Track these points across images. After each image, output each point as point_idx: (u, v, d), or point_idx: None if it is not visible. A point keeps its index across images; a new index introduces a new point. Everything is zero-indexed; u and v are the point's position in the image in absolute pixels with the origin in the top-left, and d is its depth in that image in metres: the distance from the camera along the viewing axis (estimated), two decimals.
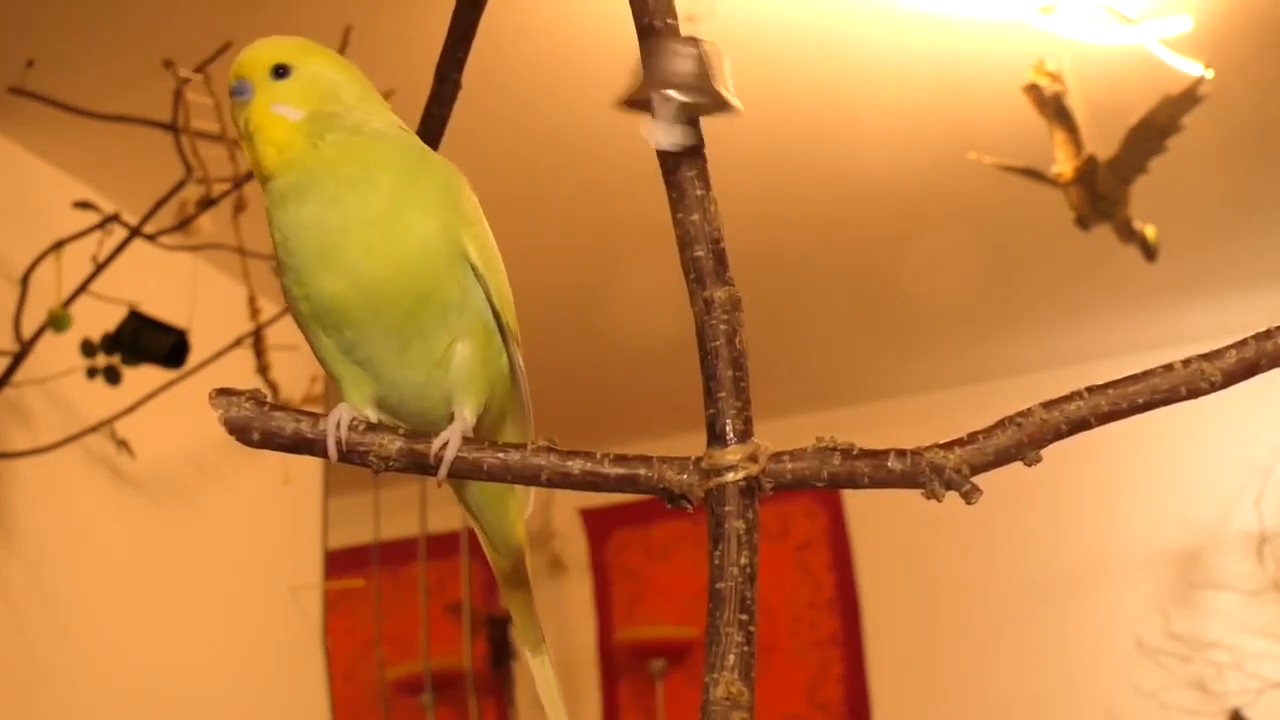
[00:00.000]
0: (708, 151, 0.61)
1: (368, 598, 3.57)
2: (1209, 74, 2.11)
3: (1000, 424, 0.57)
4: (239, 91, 0.67)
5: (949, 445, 0.57)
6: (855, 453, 0.58)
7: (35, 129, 2.31)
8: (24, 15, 2.05)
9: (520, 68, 2.29)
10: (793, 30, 2.27)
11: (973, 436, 0.57)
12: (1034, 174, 2.27)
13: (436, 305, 0.65)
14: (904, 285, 3.17)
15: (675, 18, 0.62)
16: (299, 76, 0.67)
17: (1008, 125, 2.45)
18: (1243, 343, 0.57)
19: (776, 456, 0.58)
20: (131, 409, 2.26)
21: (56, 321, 2.09)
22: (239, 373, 2.21)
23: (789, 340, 3.46)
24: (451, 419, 0.66)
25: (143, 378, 2.23)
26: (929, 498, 0.57)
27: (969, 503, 0.57)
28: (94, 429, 2.26)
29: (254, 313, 2.31)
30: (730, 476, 0.57)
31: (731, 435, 0.58)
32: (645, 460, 0.59)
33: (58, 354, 2.21)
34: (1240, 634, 3.48)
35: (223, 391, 0.62)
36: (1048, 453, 0.58)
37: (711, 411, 0.58)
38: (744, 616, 0.55)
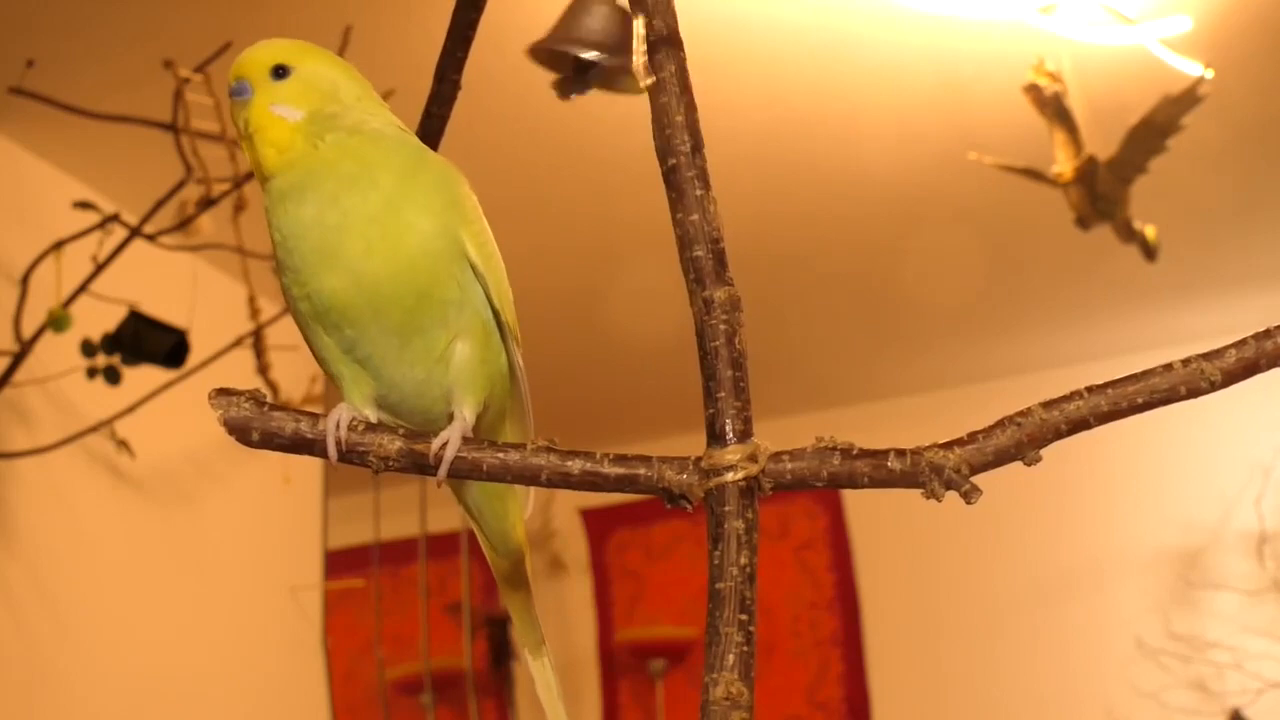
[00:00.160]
0: (708, 151, 0.61)
1: (368, 598, 3.57)
2: (1209, 74, 2.11)
3: (1000, 424, 0.57)
4: (238, 92, 0.68)
5: (949, 445, 0.57)
6: (855, 452, 0.58)
7: (35, 129, 2.31)
8: (24, 15, 2.05)
9: (520, 68, 2.29)
10: (793, 30, 2.27)
11: (972, 436, 0.57)
12: (1034, 174, 2.27)
13: (436, 303, 0.65)
14: (904, 285, 3.17)
15: (675, 18, 0.62)
16: (298, 77, 0.67)
17: (1008, 125, 2.45)
18: (1243, 342, 0.57)
19: (776, 456, 0.58)
20: (131, 409, 2.26)
21: (56, 321, 2.09)
22: (239, 373, 2.21)
23: (789, 340, 3.46)
24: (451, 418, 0.65)
25: (143, 378, 2.23)
26: (929, 497, 0.57)
27: (969, 502, 0.57)
28: (94, 429, 2.26)
29: (254, 313, 2.31)
30: (730, 476, 0.57)
31: (731, 435, 0.58)
32: (645, 460, 0.59)
33: (58, 354, 2.21)
34: (1240, 634, 3.47)
35: (222, 391, 0.62)
36: (1047, 453, 0.58)
37: (711, 411, 0.58)
38: (744, 616, 0.55)
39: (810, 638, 3.94)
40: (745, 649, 0.54)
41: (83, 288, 2.12)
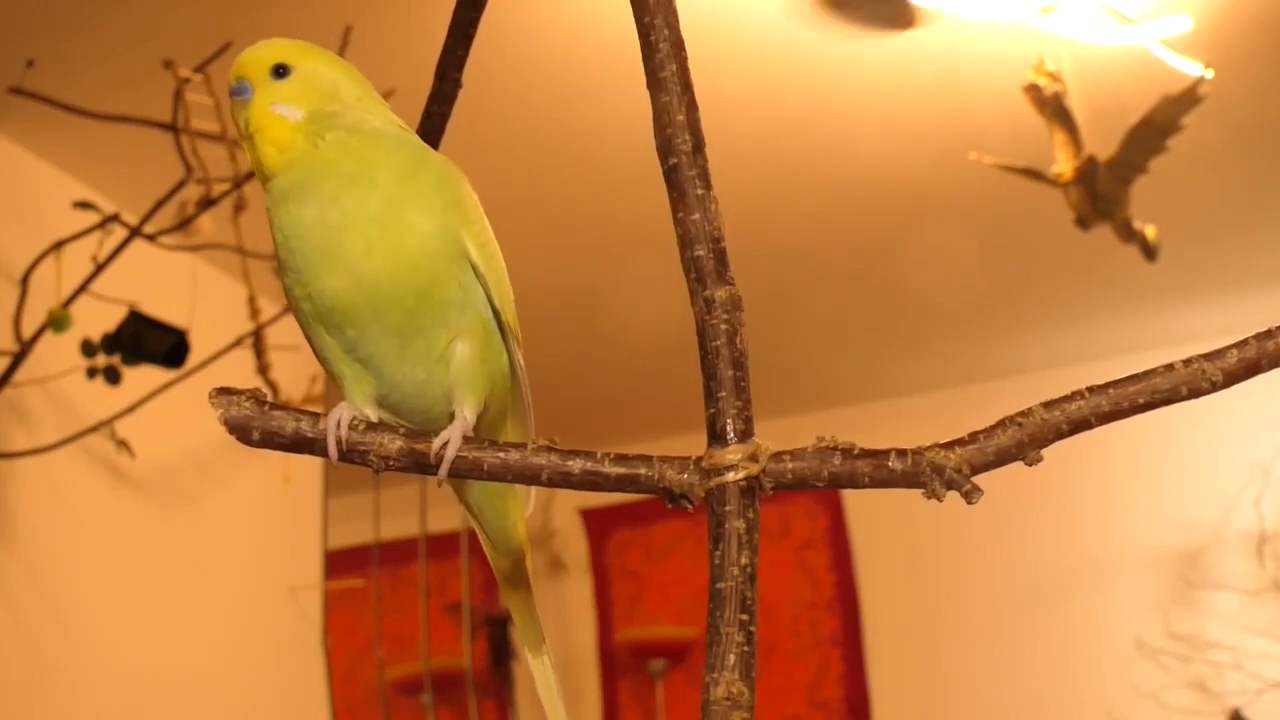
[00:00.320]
0: (708, 151, 0.61)
1: (368, 598, 3.57)
2: (1209, 74, 2.11)
3: (1001, 424, 0.57)
4: (239, 91, 0.68)
5: (950, 445, 0.57)
6: (856, 452, 0.58)
7: (35, 129, 2.31)
8: (24, 15, 2.05)
9: (520, 67, 2.29)
10: (793, 30, 2.27)
11: (973, 436, 0.57)
12: (1034, 174, 2.27)
13: (437, 303, 0.65)
14: (904, 285, 3.17)
15: (676, 18, 0.62)
16: (298, 76, 0.67)
17: (1008, 125, 2.45)
18: (1244, 342, 0.57)
19: (777, 456, 0.58)
20: (131, 409, 2.26)
21: (56, 321, 2.09)
22: (239, 373, 2.21)
23: (789, 340, 3.46)
24: (452, 418, 0.66)
25: (143, 378, 2.23)
26: (930, 498, 0.57)
27: (970, 502, 0.57)
28: (94, 429, 2.26)
29: (254, 313, 2.31)
30: (731, 476, 0.57)
31: (732, 435, 0.58)
32: (646, 460, 0.59)
33: (58, 354, 2.20)
34: (1240, 634, 3.47)
35: (223, 391, 0.62)
36: (1048, 452, 0.58)
37: (712, 411, 0.58)
38: (744, 616, 0.55)
39: (810, 638, 3.94)
40: (746, 649, 0.54)
41: (83, 288, 2.12)
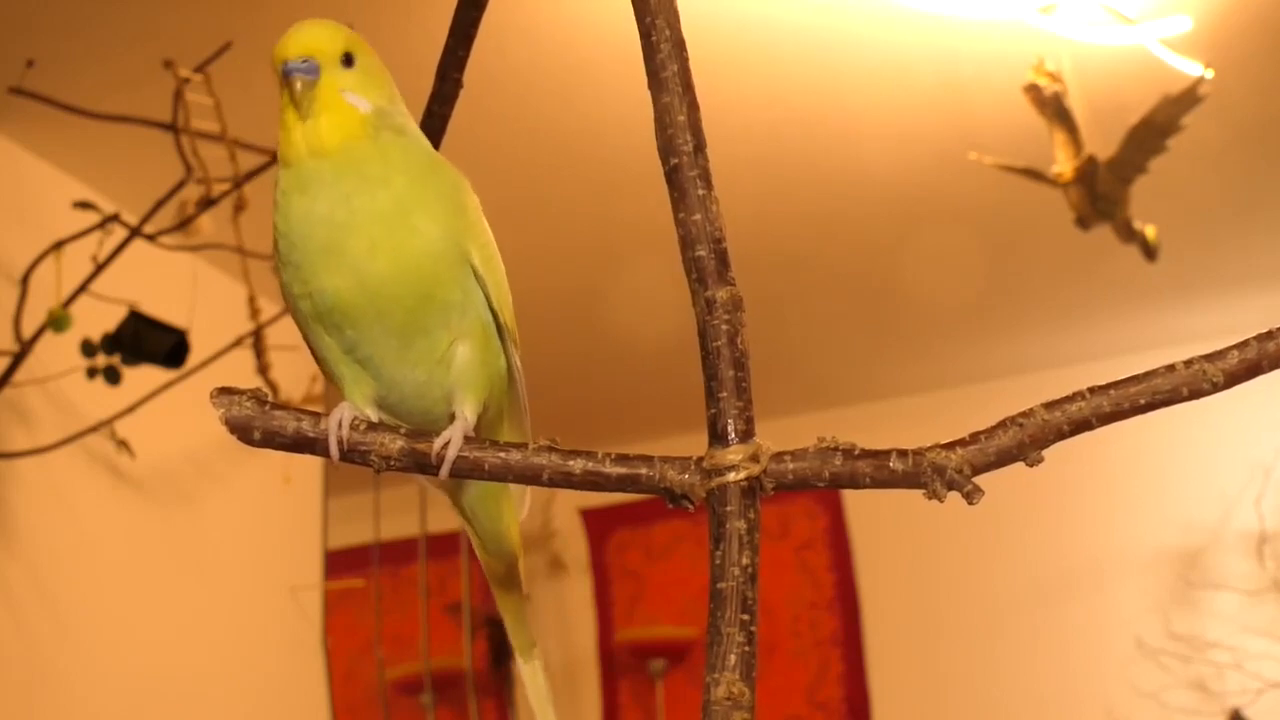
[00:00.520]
0: (709, 151, 0.61)
1: (368, 598, 3.57)
2: (1209, 74, 2.11)
3: (1002, 424, 0.57)
4: (304, 70, 0.65)
5: (951, 445, 0.57)
6: (857, 453, 0.58)
7: (35, 129, 2.31)
8: (24, 15, 2.05)
9: (521, 67, 2.29)
10: (793, 30, 2.27)
11: (974, 437, 0.57)
12: (1034, 174, 2.27)
13: (439, 305, 0.65)
14: (904, 285, 3.17)
15: (677, 18, 0.62)
16: (364, 68, 0.66)
17: (1008, 125, 2.45)
18: (1245, 343, 0.57)
19: (778, 456, 0.58)
20: (131, 409, 2.26)
21: (56, 321, 2.09)
22: (239, 373, 2.21)
23: (790, 340, 3.46)
24: (452, 418, 0.65)
25: (143, 378, 2.23)
26: (930, 498, 0.57)
27: (970, 503, 0.57)
28: (94, 429, 2.26)
29: (254, 313, 2.31)
30: (732, 476, 0.57)
31: (733, 435, 0.58)
32: (647, 460, 0.59)
33: (58, 354, 2.20)
34: (1240, 634, 3.48)
35: (224, 390, 0.62)
36: (1049, 453, 0.58)
37: (713, 411, 0.58)
38: (745, 616, 0.55)
39: (810, 638, 3.94)
40: (747, 649, 0.54)
41: (83, 288, 2.12)
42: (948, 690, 3.77)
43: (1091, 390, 0.57)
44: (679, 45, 0.62)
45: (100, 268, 2.11)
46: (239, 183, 2.10)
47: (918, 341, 3.61)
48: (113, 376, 2.15)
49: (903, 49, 2.32)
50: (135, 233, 2.11)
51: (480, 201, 0.69)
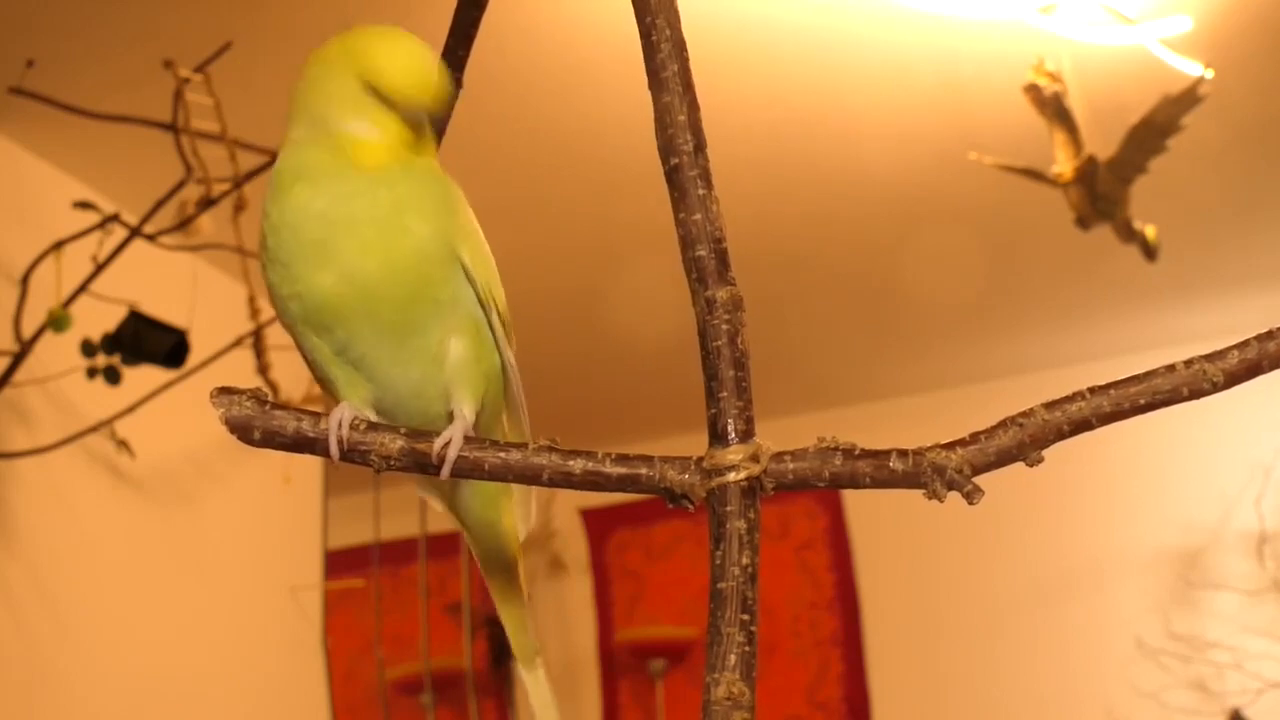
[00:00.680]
0: (709, 151, 0.61)
1: (368, 598, 3.57)
2: (1209, 74, 2.11)
3: (1002, 424, 0.57)
4: (429, 121, 0.67)
5: (951, 445, 0.57)
6: (857, 453, 0.58)
7: (35, 129, 2.31)
8: (24, 15, 2.05)
9: (521, 67, 2.29)
10: (793, 30, 2.27)
11: (974, 437, 0.57)
12: (1034, 174, 2.27)
13: (429, 303, 0.64)
14: (904, 285, 3.17)
15: (677, 18, 0.62)
16: None
17: (1008, 125, 2.45)
18: (1245, 343, 0.57)
19: (778, 456, 0.58)
20: (131, 409, 2.26)
21: (56, 321, 2.09)
22: (239, 373, 2.21)
23: (790, 340, 3.46)
24: (449, 419, 0.65)
25: (143, 378, 2.23)
26: (931, 498, 0.57)
27: (970, 503, 0.57)
28: (94, 429, 2.26)
29: (254, 313, 2.31)
30: (732, 476, 0.57)
31: (733, 435, 0.58)
32: (647, 460, 0.59)
33: (58, 354, 2.20)
34: (1240, 634, 3.48)
35: (224, 390, 0.62)
36: (1049, 453, 0.58)
37: (713, 411, 0.58)
38: (745, 616, 0.55)
39: (810, 638, 3.94)
40: (747, 649, 0.54)
41: (83, 288, 2.12)
42: (948, 690, 3.77)
43: (1091, 390, 0.57)
44: (679, 45, 0.62)
45: (100, 268, 2.11)
46: (239, 183, 2.10)
47: (918, 341, 3.61)
48: (113, 376, 2.15)
49: (903, 49, 2.32)
50: (135, 233, 2.11)
51: (480, 201, 0.69)
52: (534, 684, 0.73)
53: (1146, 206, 2.33)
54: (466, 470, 0.61)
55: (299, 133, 0.66)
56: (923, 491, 0.57)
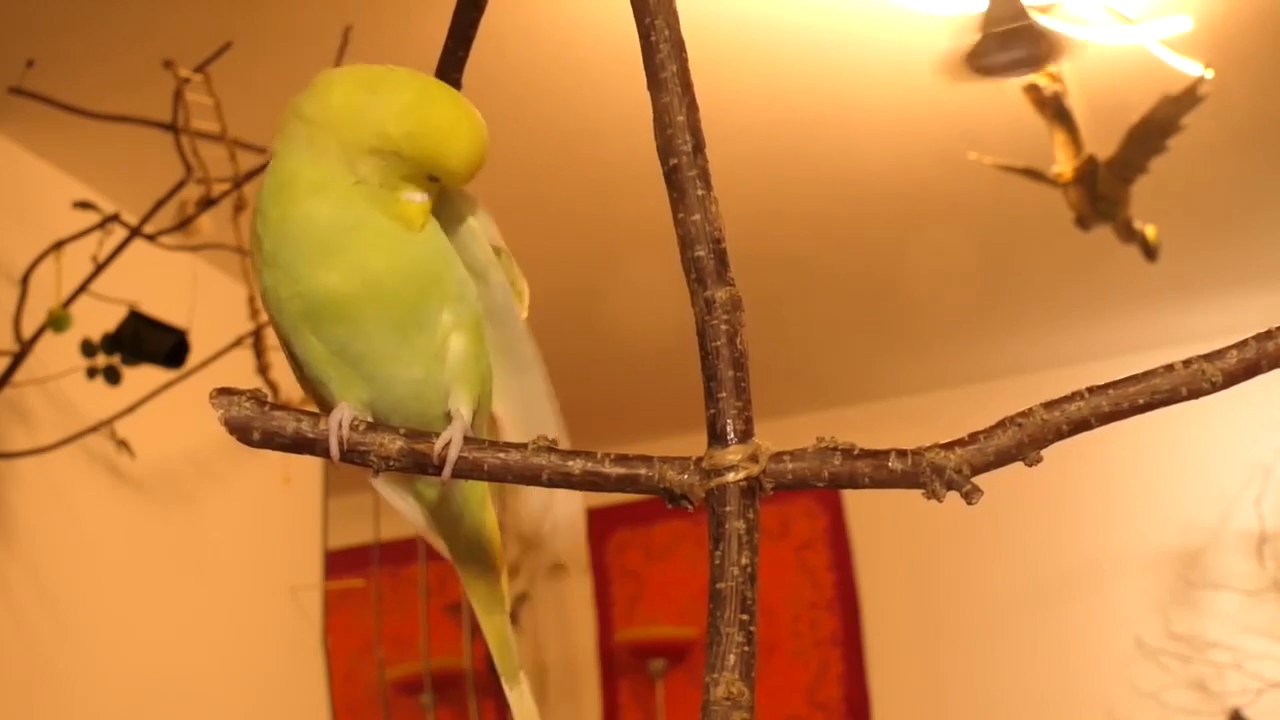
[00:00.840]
0: (709, 151, 0.61)
1: (368, 598, 3.57)
2: (1209, 74, 2.11)
3: (1001, 424, 0.57)
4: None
5: (950, 445, 0.57)
6: (856, 453, 0.58)
7: (35, 129, 2.31)
8: (24, 15, 2.05)
9: (520, 68, 2.29)
10: (793, 30, 2.27)
11: (973, 437, 0.57)
12: (1034, 174, 2.27)
13: (437, 297, 0.64)
14: (904, 285, 3.17)
15: (676, 18, 0.62)
16: None
17: (1008, 125, 2.45)
18: (1244, 343, 0.57)
19: (777, 456, 0.58)
20: (131, 409, 2.26)
21: (56, 321, 2.09)
22: (239, 373, 2.21)
23: (789, 340, 3.46)
24: (446, 420, 0.64)
25: (143, 378, 2.23)
26: (930, 498, 0.57)
27: (970, 503, 0.57)
28: (94, 429, 2.26)
29: (254, 313, 2.31)
30: (731, 476, 0.57)
31: (732, 435, 0.58)
32: (646, 460, 0.59)
33: (58, 354, 2.21)
34: (1240, 634, 3.48)
35: (223, 391, 0.62)
36: (1048, 453, 0.58)
37: (712, 411, 0.58)
38: (745, 616, 0.55)
39: (810, 638, 3.94)
40: (746, 649, 0.54)
41: (83, 288, 2.12)
42: (948, 690, 3.77)
43: (1090, 390, 0.57)
44: (678, 45, 0.62)
45: (100, 268, 2.11)
46: (239, 183, 2.10)
47: (918, 341, 3.61)
48: (113, 376, 2.15)
49: (903, 49, 2.32)
50: (135, 233, 2.12)
51: (481, 200, 0.69)
52: (517, 700, 0.71)
53: (1146, 206, 2.33)
54: (466, 470, 0.61)
55: (316, 146, 0.63)
56: (922, 491, 0.57)
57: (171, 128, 2.04)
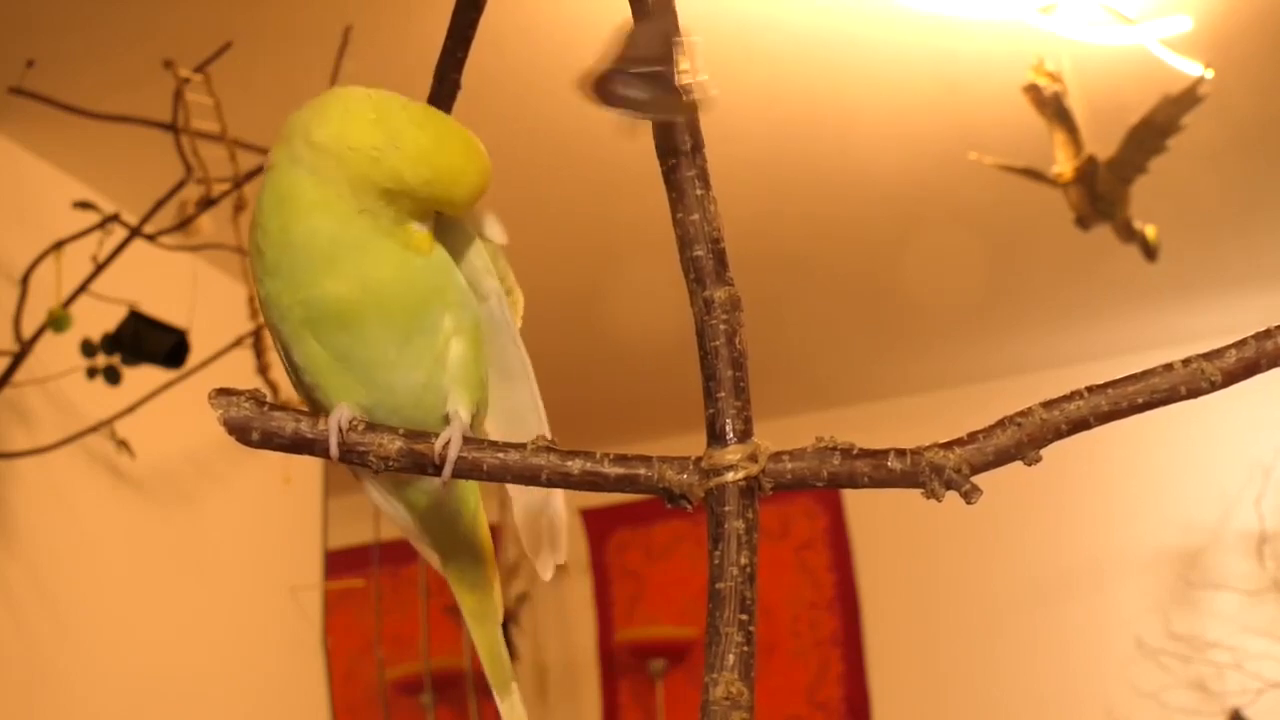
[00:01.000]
0: (708, 151, 0.61)
1: (368, 598, 3.57)
2: (1209, 74, 2.11)
3: (1000, 424, 0.57)
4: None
5: (949, 445, 0.57)
6: (855, 452, 0.58)
7: (35, 129, 2.31)
8: (24, 15, 2.05)
9: (520, 68, 2.29)
10: (793, 30, 2.27)
11: (973, 436, 0.57)
12: (1034, 174, 2.27)
13: (439, 304, 0.64)
14: (904, 285, 3.17)
15: (676, 18, 0.62)
16: None
17: (1008, 125, 2.45)
18: (1243, 342, 0.57)
19: (776, 456, 0.58)
20: (131, 409, 2.26)
21: (56, 321, 2.09)
22: (239, 373, 2.21)
23: (789, 340, 3.46)
24: (444, 423, 0.64)
25: (143, 378, 2.23)
26: (929, 497, 0.57)
27: (969, 502, 0.57)
28: (94, 429, 2.26)
29: (254, 313, 2.31)
30: (730, 476, 0.57)
31: (731, 435, 0.58)
32: (645, 460, 0.59)
33: (58, 354, 2.21)
34: (1240, 634, 3.47)
35: (222, 391, 0.62)
36: (1048, 453, 0.58)
37: (711, 411, 0.58)
38: (744, 616, 0.55)
39: (810, 638, 3.94)
40: (745, 649, 0.54)
41: (83, 288, 2.12)
42: (948, 690, 3.77)
43: (1089, 389, 0.57)
44: None
45: (100, 268, 2.11)
46: (239, 183, 2.10)
47: (918, 341, 3.61)
48: (113, 376, 2.15)
49: (903, 49, 2.32)
50: (135, 233, 2.12)
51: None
52: (509, 711, 0.71)
53: (1146, 206, 2.33)
54: (466, 470, 0.61)
55: (322, 173, 0.62)
56: (921, 491, 0.57)
57: (171, 128, 2.04)
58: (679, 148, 0.60)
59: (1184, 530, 3.61)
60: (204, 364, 2.25)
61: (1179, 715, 3.47)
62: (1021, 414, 0.57)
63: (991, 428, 0.57)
